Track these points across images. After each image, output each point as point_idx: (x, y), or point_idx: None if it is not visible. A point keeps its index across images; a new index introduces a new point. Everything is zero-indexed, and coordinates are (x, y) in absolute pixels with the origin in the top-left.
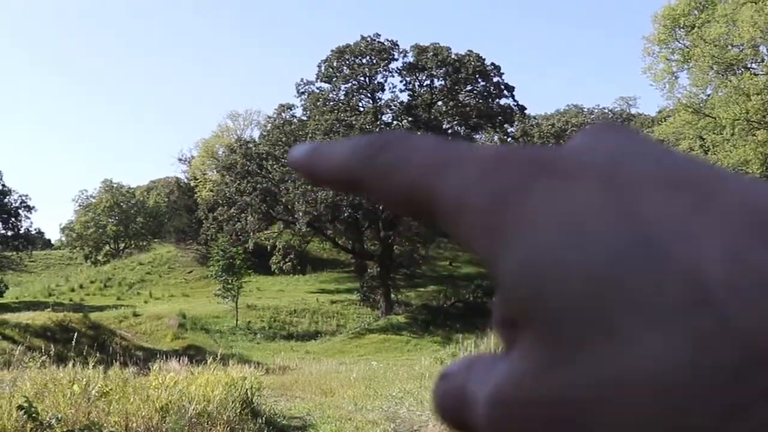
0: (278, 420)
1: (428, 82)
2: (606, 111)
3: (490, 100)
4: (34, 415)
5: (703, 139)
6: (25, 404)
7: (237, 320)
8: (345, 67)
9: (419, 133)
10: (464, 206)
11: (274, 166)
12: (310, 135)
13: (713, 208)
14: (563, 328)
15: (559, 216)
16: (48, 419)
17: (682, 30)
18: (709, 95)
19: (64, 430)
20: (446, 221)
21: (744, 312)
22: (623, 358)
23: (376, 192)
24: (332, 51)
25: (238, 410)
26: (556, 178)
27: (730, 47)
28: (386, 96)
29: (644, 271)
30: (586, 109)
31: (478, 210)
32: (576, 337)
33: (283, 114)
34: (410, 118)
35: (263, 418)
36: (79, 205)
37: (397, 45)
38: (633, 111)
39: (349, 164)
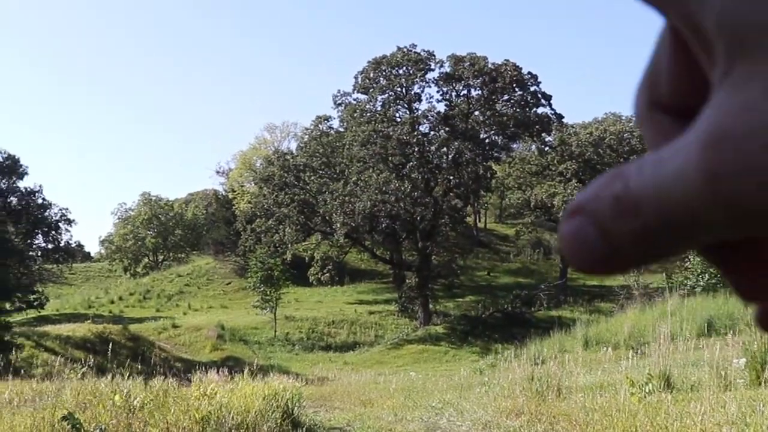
0: (319, 430)
1: (465, 91)
2: None
3: (527, 109)
4: (77, 426)
5: None
6: (68, 416)
7: (275, 331)
8: (382, 78)
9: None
10: None
11: (312, 178)
12: (347, 146)
13: None
14: None
15: None
16: (91, 430)
17: None
18: None
19: None
20: None
21: None
22: None
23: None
24: (369, 62)
25: (279, 421)
26: None
27: None
28: (423, 106)
29: None
30: (624, 117)
31: None
32: None
33: (320, 125)
34: (447, 128)
35: (303, 429)
36: (118, 218)
37: (434, 55)
38: None
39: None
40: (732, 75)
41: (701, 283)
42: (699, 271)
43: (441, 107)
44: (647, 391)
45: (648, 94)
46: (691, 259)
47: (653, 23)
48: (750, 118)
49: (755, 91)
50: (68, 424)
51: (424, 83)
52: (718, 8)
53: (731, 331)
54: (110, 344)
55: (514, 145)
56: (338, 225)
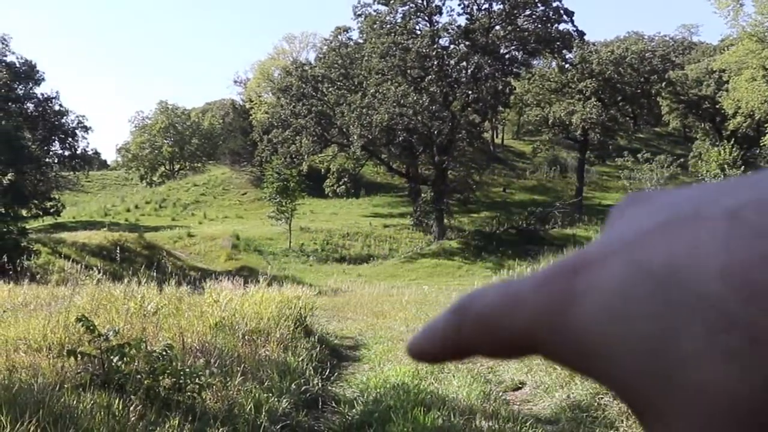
0: (330, 339)
1: (486, 5)
2: (667, 39)
3: (548, 25)
4: (91, 327)
5: (767, 70)
6: (82, 317)
7: (290, 242)
8: None
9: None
10: (541, 339)
11: (330, 89)
12: (366, 58)
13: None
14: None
15: (604, 309)
16: (105, 332)
17: None
18: None
19: (121, 342)
20: (543, 353)
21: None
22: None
23: (481, 350)
24: None
25: (291, 328)
26: (588, 272)
27: None
28: (444, 19)
29: (678, 313)
30: (647, 37)
31: (550, 340)
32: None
33: (339, 36)
34: (467, 42)
35: (316, 337)
36: (135, 126)
37: None
38: (695, 39)
39: (449, 339)
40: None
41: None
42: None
43: (462, 21)
44: None
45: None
46: (708, 182)
47: None
48: None
49: None
50: (82, 326)
51: None
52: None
53: None
54: (126, 252)
55: (534, 62)
56: (355, 137)
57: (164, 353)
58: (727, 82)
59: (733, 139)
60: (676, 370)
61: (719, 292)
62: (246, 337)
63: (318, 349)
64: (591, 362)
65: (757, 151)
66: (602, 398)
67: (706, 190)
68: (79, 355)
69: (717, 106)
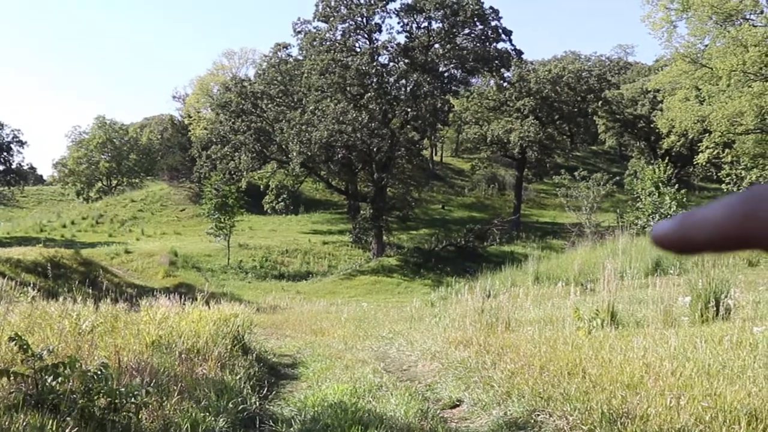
0: (269, 357)
1: (426, 24)
2: (603, 58)
3: (487, 43)
4: (24, 347)
5: (699, 90)
6: (16, 336)
7: (229, 259)
8: (342, 7)
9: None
10: None
11: (269, 106)
12: (306, 75)
13: None
14: None
15: None
16: (39, 351)
17: None
18: (706, 45)
19: (55, 362)
20: None
21: None
22: None
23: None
24: None
25: (229, 346)
26: None
27: None
28: (383, 37)
29: None
30: (583, 56)
31: None
32: None
33: (279, 53)
34: (407, 60)
35: (254, 355)
36: (72, 141)
37: None
38: (630, 59)
39: (732, 225)
40: None
41: (651, 223)
42: (650, 211)
43: (401, 39)
44: (593, 326)
45: None
46: (643, 199)
47: None
48: None
49: None
50: (15, 345)
51: (385, 14)
52: None
53: (678, 270)
54: (61, 269)
55: (473, 80)
56: (294, 154)
57: (99, 372)
58: (662, 101)
59: (667, 158)
60: None
61: None
62: (183, 355)
63: (256, 367)
64: None
65: (691, 170)
66: (539, 416)
67: None
68: (11, 375)
69: (652, 125)
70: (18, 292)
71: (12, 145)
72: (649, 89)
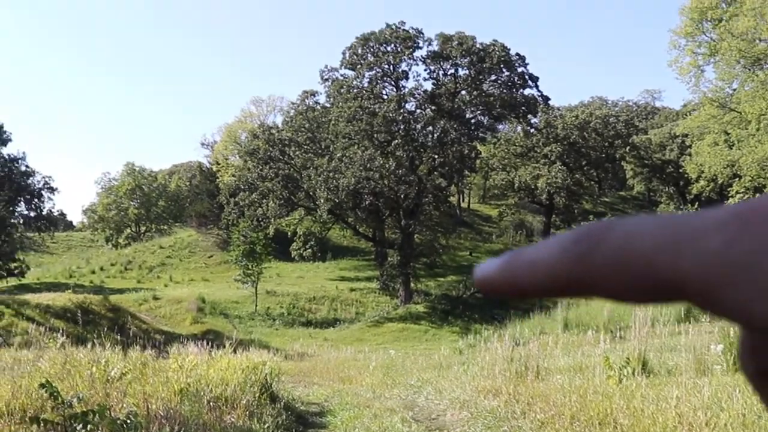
0: (296, 405)
1: (452, 71)
2: (630, 104)
3: (514, 90)
4: (55, 394)
5: (728, 134)
6: (46, 383)
7: (256, 306)
8: (369, 55)
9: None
10: (723, 280)
11: (297, 153)
12: (333, 122)
13: None
14: None
15: None
16: (69, 399)
17: (709, 23)
18: (735, 89)
19: (84, 409)
20: (703, 300)
21: None
22: None
23: (607, 289)
24: (357, 38)
25: (257, 395)
26: None
27: (757, 41)
28: (410, 84)
29: None
30: (610, 102)
31: (741, 279)
32: None
33: (306, 100)
34: (433, 107)
35: (281, 403)
36: (102, 188)
37: (422, 33)
38: (658, 104)
39: (562, 267)
40: None
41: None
42: None
43: (428, 86)
44: (624, 374)
45: (754, 365)
46: None
47: (644, 7)
48: None
49: None
50: (46, 392)
51: (411, 61)
52: None
53: (709, 318)
54: (90, 314)
55: (500, 126)
56: (322, 201)
57: (128, 420)
58: (690, 146)
59: (696, 203)
60: None
61: None
62: (211, 403)
63: (284, 416)
64: None
65: None
66: None
67: None
68: (41, 422)
69: (680, 170)
70: (47, 338)
71: (43, 192)
72: (677, 134)
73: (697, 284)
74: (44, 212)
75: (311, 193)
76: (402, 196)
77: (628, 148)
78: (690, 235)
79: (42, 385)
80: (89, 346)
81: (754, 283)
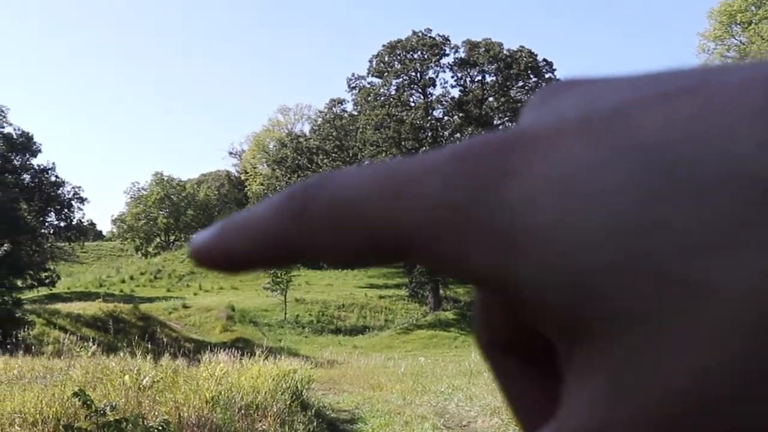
0: (327, 413)
1: (480, 77)
2: None
3: None
4: (88, 402)
5: None
6: (80, 392)
7: (285, 314)
8: (396, 62)
9: (471, 128)
10: (441, 228)
11: (325, 161)
12: (360, 130)
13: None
14: (636, 315)
15: (559, 187)
16: (102, 407)
17: (738, 26)
18: None
19: (117, 417)
20: (424, 253)
21: None
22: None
23: (325, 249)
24: (384, 46)
25: (288, 402)
26: (531, 150)
27: None
28: (437, 91)
29: (683, 204)
30: None
31: (460, 226)
32: (655, 317)
33: (333, 108)
34: (461, 114)
35: (312, 411)
36: (131, 197)
37: (449, 40)
38: None
39: (276, 229)
40: (573, 362)
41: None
42: None
43: (455, 92)
44: None
45: (487, 333)
46: None
47: (671, 11)
48: (598, 421)
49: (600, 388)
50: (79, 401)
51: (438, 68)
52: (545, 280)
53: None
54: (120, 323)
55: None
56: None
57: (161, 429)
58: None
59: None
60: (674, 264)
61: (761, 165)
62: (243, 411)
63: (315, 423)
64: (518, 256)
65: None
66: None
67: (686, 71)
68: (75, 431)
69: None
70: (78, 347)
71: (73, 202)
72: None
73: (415, 234)
74: (74, 222)
75: None
76: None
77: None
78: (406, 180)
79: (75, 394)
80: (120, 354)
81: (473, 229)
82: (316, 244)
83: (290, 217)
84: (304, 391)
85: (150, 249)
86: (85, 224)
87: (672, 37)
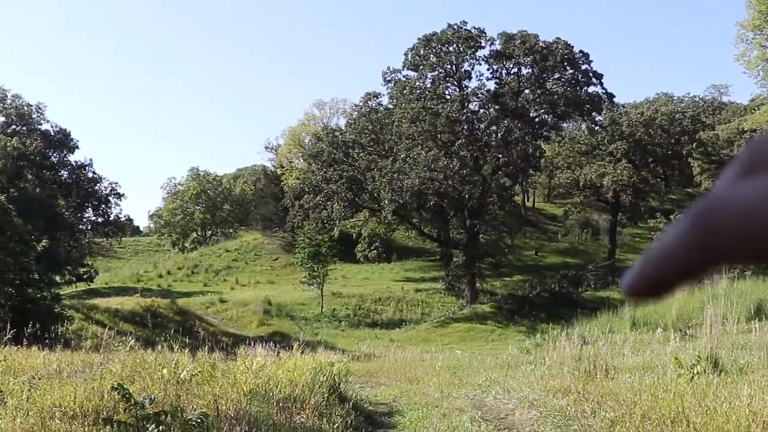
0: (365, 406)
1: (515, 69)
2: (697, 99)
3: (578, 88)
4: (127, 396)
5: None
6: (119, 386)
7: (322, 307)
8: (432, 55)
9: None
10: None
11: (360, 155)
12: (396, 123)
13: None
14: None
15: None
16: (141, 400)
17: None
18: None
19: (156, 410)
20: None
21: None
22: None
23: (735, 261)
24: (419, 39)
25: (326, 395)
26: None
27: None
28: (473, 84)
29: None
30: (676, 98)
31: None
32: None
33: (369, 102)
34: (497, 106)
35: (350, 404)
36: (167, 193)
37: (484, 33)
38: (725, 99)
39: (691, 256)
40: None
41: (751, 267)
42: None
43: (491, 85)
44: (695, 372)
45: None
46: None
47: (709, 2)
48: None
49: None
50: (118, 394)
51: (474, 61)
52: None
53: None
54: (158, 318)
55: (564, 125)
56: (386, 202)
57: (200, 421)
58: None
59: None
60: None
61: None
62: (280, 404)
63: (353, 416)
64: None
65: None
66: None
67: None
68: (115, 424)
69: None
70: (117, 342)
71: (110, 198)
72: (745, 129)
73: None
74: (111, 218)
75: (375, 195)
76: (466, 196)
77: (694, 144)
78: None
79: (114, 387)
80: (158, 348)
81: None
82: (729, 254)
83: (698, 242)
84: (342, 384)
85: (186, 244)
86: (122, 220)
87: (710, 26)
